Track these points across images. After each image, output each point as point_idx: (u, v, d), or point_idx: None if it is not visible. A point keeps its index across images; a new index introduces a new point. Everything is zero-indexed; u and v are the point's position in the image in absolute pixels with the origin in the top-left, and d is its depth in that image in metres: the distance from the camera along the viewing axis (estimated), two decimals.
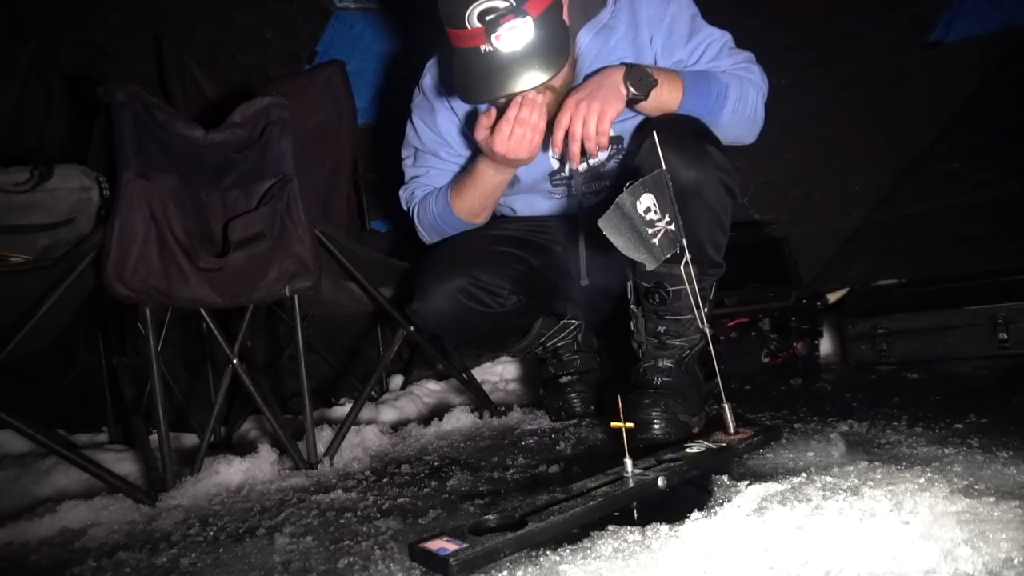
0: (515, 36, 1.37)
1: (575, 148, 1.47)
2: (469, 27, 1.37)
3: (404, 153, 1.84)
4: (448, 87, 1.66)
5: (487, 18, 1.36)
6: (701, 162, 1.43)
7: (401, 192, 1.86)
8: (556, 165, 1.70)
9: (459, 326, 1.73)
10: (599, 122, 1.44)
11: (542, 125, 1.51)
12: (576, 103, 1.46)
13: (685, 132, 1.45)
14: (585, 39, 1.56)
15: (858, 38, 2.67)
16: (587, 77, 1.53)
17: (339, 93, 2.26)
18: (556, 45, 1.41)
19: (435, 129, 1.74)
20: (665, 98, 1.50)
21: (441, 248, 1.77)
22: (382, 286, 1.90)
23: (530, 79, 1.40)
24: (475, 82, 1.43)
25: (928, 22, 2.61)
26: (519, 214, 1.86)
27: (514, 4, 1.35)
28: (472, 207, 1.72)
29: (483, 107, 1.60)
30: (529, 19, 1.37)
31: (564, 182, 1.73)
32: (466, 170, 1.70)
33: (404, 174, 1.85)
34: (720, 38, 1.61)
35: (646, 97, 1.47)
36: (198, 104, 2.07)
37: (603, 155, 1.66)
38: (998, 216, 2.54)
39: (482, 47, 1.39)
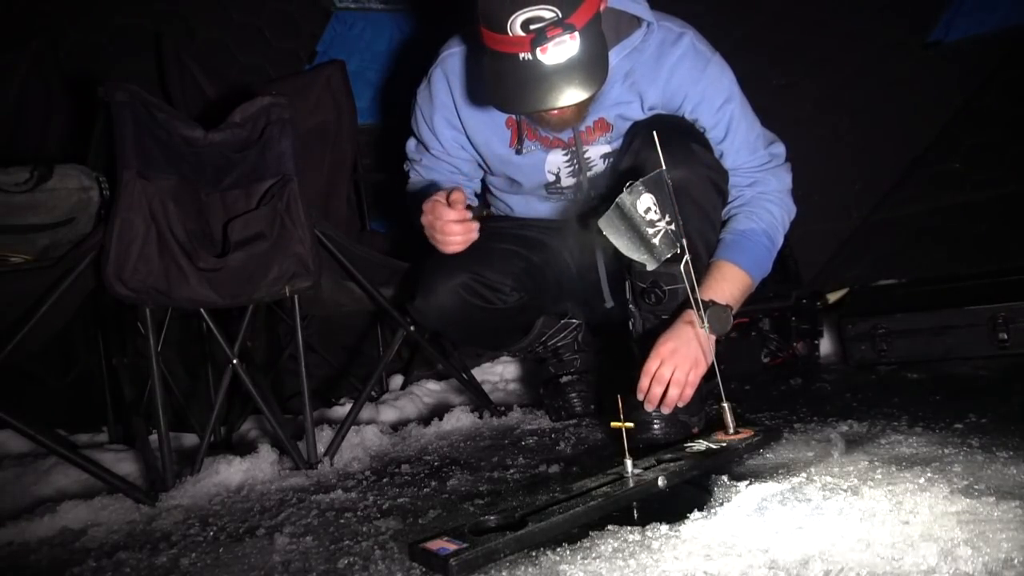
0: (561, 51, 1.33)
1: (657, 391, 1.43)
2: (511, 34, 1.32)
3: (412, 128, 1.83)
4: (463, 87, 1.65)
5: (532, 27, 1.31)
6: (687, 161, 1.44)
7: (405, 165, 1.88)
8: (551, 179, 1.71)
9: (461, 323, 1.73)
10: (692, 372, 1.42)
11: (471, 236, 1.54)
12: (671, 353, 1.43)
13: (671, 132, 1.44)
14: (613, 60, 1.50)
15: (858, 38, 2.66)
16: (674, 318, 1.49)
17: (339, 93, 2.26)
18: (597, 60, 1.38)
19: (430, 124, 1.75)
20: (744, 292, 1.55)
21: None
22: (382, 286, 1.90)
23: (571, 95, 1.36)
24: (514, 92, 1.38)
25: (928, 22, 2.60)
26: (516, 213, 1.87)
27: (559, 16, 1.30)
28: None
29: (493, 129, 1.64)
30: (576, 34, 1.32)
31: (558, 190, 1.75)
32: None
33: (408, 149, 1.86)
34: (748, 129, 1.59)
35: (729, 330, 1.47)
36: (198, 104, 2.07)
37: (599, 168, 1.68)
38: (998, 216, 2.54)
39: (521, 55, 1.34)
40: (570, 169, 1.69)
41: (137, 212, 1.42)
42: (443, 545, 0.95)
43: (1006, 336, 2.01)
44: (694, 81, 1.54)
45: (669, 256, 1.32)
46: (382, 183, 2.64)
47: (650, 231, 1.28)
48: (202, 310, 1.54)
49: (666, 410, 1.45)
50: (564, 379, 1.93)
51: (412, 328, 1.86)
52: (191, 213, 1.52)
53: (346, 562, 1.04)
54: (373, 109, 2.57)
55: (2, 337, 1.40)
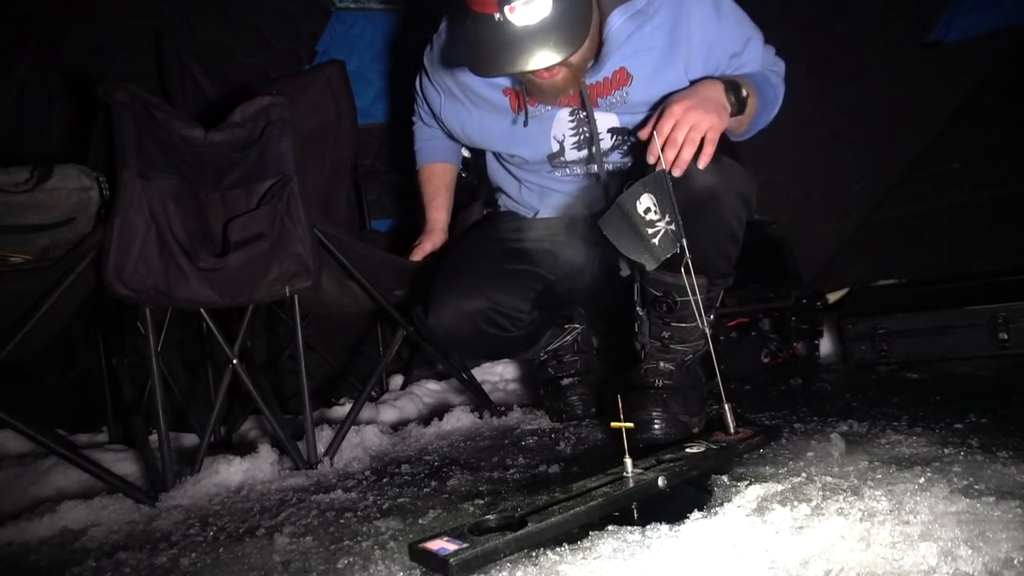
0: (530, 11, 1.29)
1: (670, 155, 1.35)
2: None
3: (415, 83, 1.89)
4: (449, 58, 1.66)
5: None
6: (717, 173, 1.39)
7: (413, 116, 1.99)
8: (556, 148, 1.69)
9: (473, 347, 1.75)
10: (711, 131, 1.34)
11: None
12: (685, 110, 1.35)
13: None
14: (617, 22, 1.48)
15: (858, 38, 2.66)
16: (685, 89, 1.46)
17: (339, 93, 2.26)
18: (574, 22, 1.34)
19: (421, 90, 1.83)
20: (748, 113, 1.50)
21: (459, 260, 1.76)
22: (385, 287, 1.89)
23: (542, 58, 1.33)
24: (486, 53, 1.36)
25: (928, 22, 2.60)
26: (524, 192, 1.85)
27: None
28: None
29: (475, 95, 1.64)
30: None
31: (563, 164, 1.73)
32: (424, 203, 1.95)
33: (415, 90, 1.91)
34: (758, 36, 1.59)
35: (743, 111, 1.45)
36: (198, 104, 2.07)
37: (606, 144, 1.64)
38: (998, 216, 2.54)
39: (495, 15, 1.31)
40: (575, 139, 1.66)
41: (137, 212, 1.42)
42: (443, 545, 0.95)
43: (1006, 336, 2.01)
44: (715, 32, 1.51)
45: (669, 256, 1.32)
46: (383, 182, 2.64)
47: (650, 231, 1.28)
48: (202, 310, 1.54)
49: (677, 172, 1.34)
50: (565, 381, 1.92)
51: (412, 328, 1.86)
52: (191, 213, 1.52)
53: (346, 562, 1.04)
54: (373, 109, 2.57)
55: (2, 337, 1.39)
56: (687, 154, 1.34)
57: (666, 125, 1.35)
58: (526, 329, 1.73)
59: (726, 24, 1.53)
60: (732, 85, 1.44)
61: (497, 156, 1.86)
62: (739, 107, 1.43)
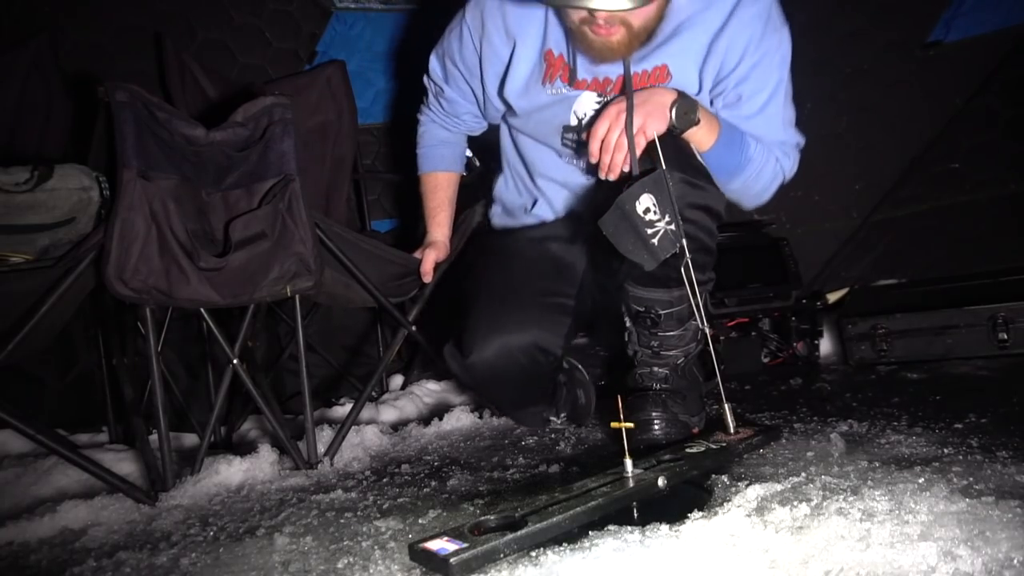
0: None
1: (606, 159, 1.39)
2: None
3: (435, 65, 1.78)
4: (498, 14, 1.58)
5: None
6: (681, 190, 1.37)
7: (419, 115, 1.90)
8: (574, 122, 1.62)
9: (508, 386, 1.69)
10: (638, 133, 1.35)
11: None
12: (617, 113, 1.38)
13: (672, 155, 1.40)
14: None
15: (858, 38, 2.67)
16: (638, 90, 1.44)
17: (339, 93, 2.26)
18: None
19: (452, 54, 1.71)
20: (697, 140, 1.47)
21: (492, 291, 1.71)
22: (386, 285, 1.89)
23: (613, 0, 1.28)
24: None
25: (928, 22, 2.61)
26: (530, 164, 1.79)
27: None
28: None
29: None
30: None
31: (573, 144, 1.66)
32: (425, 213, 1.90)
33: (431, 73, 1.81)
34: (783, 112, 1.56)
35: (682, 132, 1.43)
36: (198, 104, 2.07)
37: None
38: (998, 216, 2.54)
39: None
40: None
41: (138, 212, 1.41)
42: (443, 545, 0.95)
43: (1006, 336, 2.01)
44: (755, 45, 1.49)
45: (669, 256, 1.32)
46: (384, 183, 2.64)
47: (649, 231, 1.28)
48: (202, 310, 1.54)
49: (612, 176, 1.40)
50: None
51: (413, 328, 1.86)
52: (192, 213, 1.52)
53: (346, 562, 1.04)
54: (373, 109, 2.58)
55: (2, 337, 1.39)
56: (617, 158, 1.38)
57: (600, 128, 1.40)
58: (555, 368, 1.72)
59: (761, 60, 1.50)
60: (685, 103, 1.41)
61: (510, 131, 1.80)
62: (681, 126, 1.41)
